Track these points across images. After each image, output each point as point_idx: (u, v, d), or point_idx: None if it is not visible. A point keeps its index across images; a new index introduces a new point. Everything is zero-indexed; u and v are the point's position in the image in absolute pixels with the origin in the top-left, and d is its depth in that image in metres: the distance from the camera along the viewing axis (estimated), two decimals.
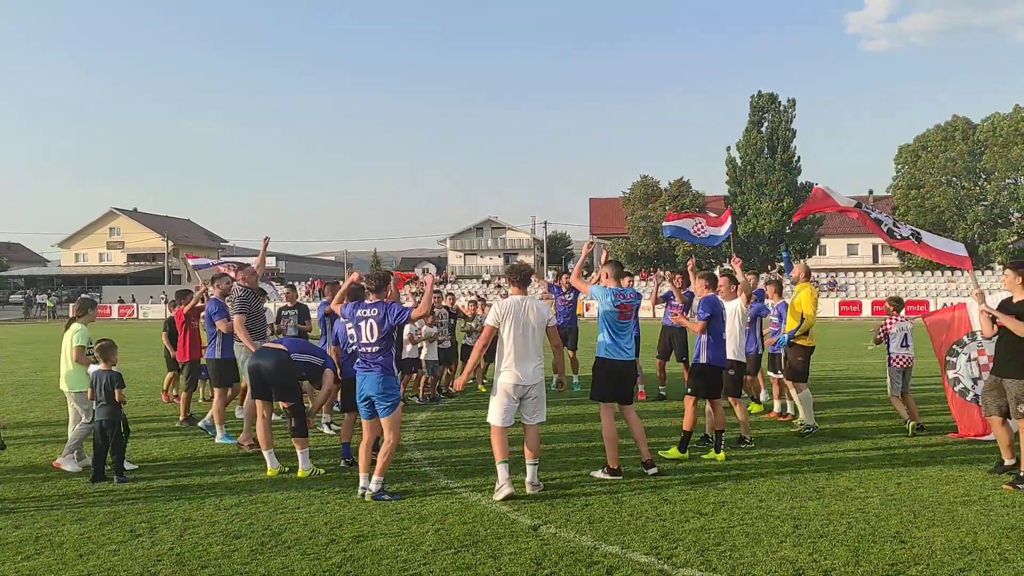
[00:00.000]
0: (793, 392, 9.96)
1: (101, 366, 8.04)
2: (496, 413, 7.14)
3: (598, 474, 7.59)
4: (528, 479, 7.18)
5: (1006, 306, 7.39)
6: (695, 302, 9.25)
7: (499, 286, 60.42)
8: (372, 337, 7.10)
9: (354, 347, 7.42)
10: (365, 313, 7.18)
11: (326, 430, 10.31)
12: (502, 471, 7.03)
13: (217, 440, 9.56)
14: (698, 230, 15.08)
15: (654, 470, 7.69)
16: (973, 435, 9.19)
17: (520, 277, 7.35)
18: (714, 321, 8.48)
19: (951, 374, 9.52)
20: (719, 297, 8.86)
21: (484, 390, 14.42)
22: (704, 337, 8.48)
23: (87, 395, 8.10)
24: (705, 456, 8.47)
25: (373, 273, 7.64)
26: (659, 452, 8.39)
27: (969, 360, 9.40)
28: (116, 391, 7.86)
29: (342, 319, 7.90)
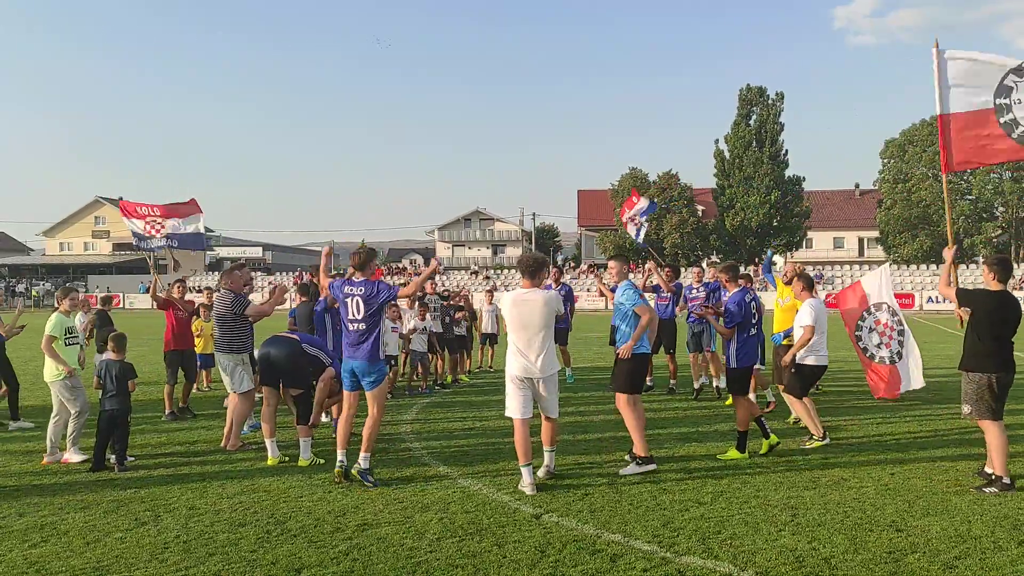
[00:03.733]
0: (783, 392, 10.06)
1: (112, 356, 8.08)
2: (511, 405, 7.12)
3: (628, 470, 7.46)
4: (545, 462, 7.29)
5: (970, 294, 7.23)
6: (725, 296, 9.08)
7: (487, 277, 60.46)
8: (359, 314, 7.17)
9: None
10: (352, 291, 7.24)
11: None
12: (526, 474, 6.93)
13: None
14: (636, 220, 15.88)
15: (652, 466, 7.76)
16: (887, 395, 9.21)
17: (530, 268, 7.24)
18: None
19: (861, 344, 9.53)
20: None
21: (467, 380, 14.50)
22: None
23: (93, 384, 8.05)
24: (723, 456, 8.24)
25: (357, 250, 7.66)
26: (718, 456, 8.15)
27: (871, 330, 9.41)
28: (130, 381, 8.02)
29: (328, 296, 8.00)
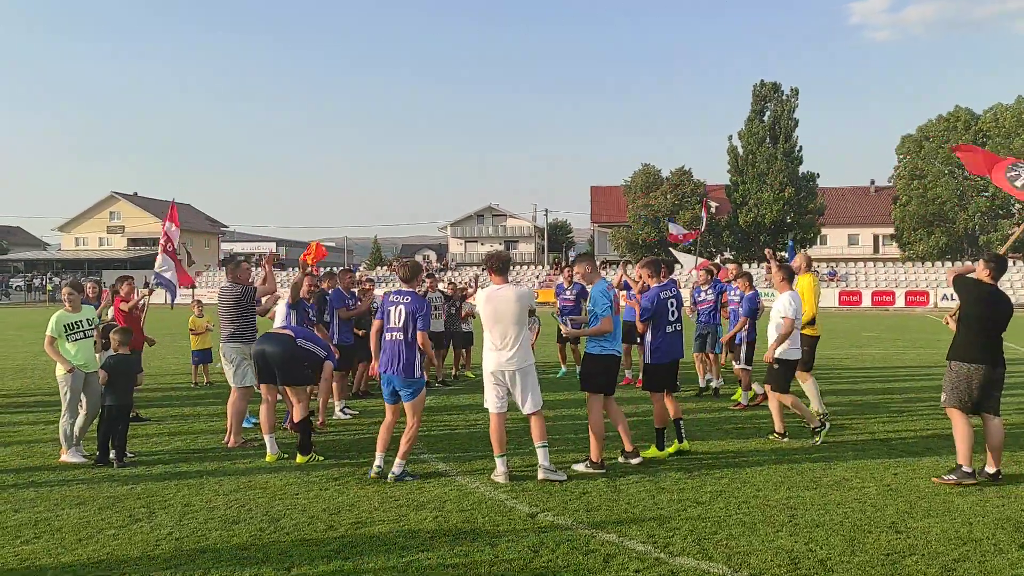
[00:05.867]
0: (800, 382, 10.00)
1: (119, 350, 8.09)
2: (487, 399, 7.31)
3: (580, 467, 7.55)
4: (540, 461, 7.23)
5: (965, 283, 7.26)
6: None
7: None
8: (399, 322, 7.27)
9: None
10: (398, 300, 7.36)
11: (341, 416, 10.38)
12: (500, 463, 7.18)
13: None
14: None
15: (638, 459, 7.72)
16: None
17: (498, 265, 7.37)
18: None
19: None
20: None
21: (473, 376, 14.46)
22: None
23: (100, 378, 8.02)
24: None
25: (405, 262, 7.84)
26: (642, 454, 7.97)
27: None
28: (138, 375, 8.14)
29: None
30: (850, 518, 6.03)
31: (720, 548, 5.43)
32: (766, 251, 12.98)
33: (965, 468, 6.91)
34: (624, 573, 5.00)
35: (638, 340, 8.69)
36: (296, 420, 8.01)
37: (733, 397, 11.57)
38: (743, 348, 11.04)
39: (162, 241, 11.87)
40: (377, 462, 7.35)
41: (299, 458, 7.91)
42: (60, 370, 8.13)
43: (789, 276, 9.06)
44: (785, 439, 8.69)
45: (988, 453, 7.12)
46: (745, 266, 25.68)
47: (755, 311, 10.93)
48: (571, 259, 73.26)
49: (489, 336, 7.21)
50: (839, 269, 54.56)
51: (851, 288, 50.09)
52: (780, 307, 8.74)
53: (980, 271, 7.24)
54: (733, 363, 11.71)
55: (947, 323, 7.57)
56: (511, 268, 7.66)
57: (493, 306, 7.13)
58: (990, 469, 7.08)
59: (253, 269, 9.91)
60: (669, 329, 8.15)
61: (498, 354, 7.14)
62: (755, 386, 11.18)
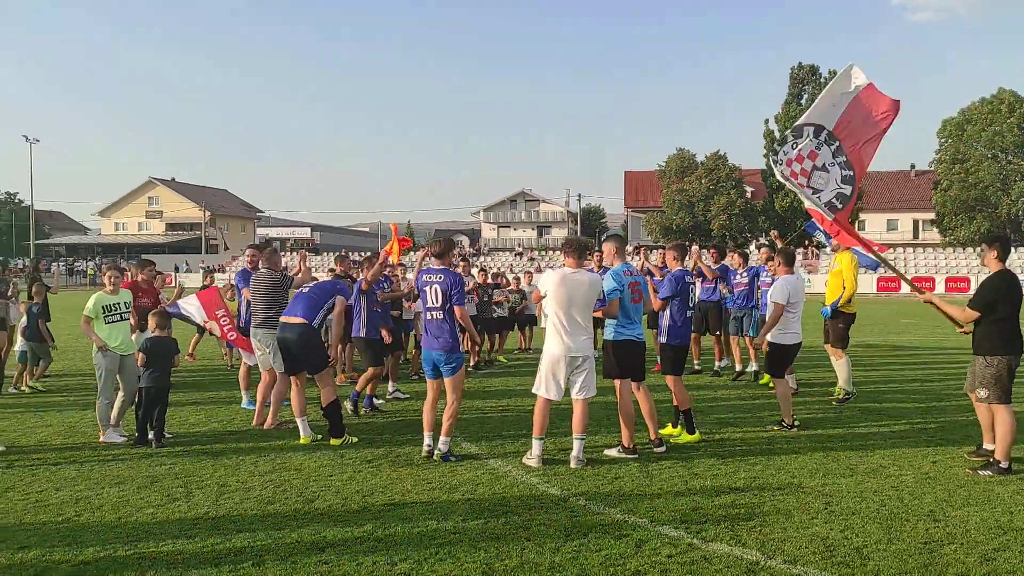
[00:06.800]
0: (833, 359, 9.95)
1: (156, 333, 8.21)
2: (543, 384, 7.15)
3: (612, 452, 7.54)
4: (574, 453, 7.17)
5: (983, 288, 7.07)
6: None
7: (532, 259, 60.38)
8: (437, 302, 7.30)
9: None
10: (431, 279, 7.39)
11: (399, 395, 10.64)
12: (536, 446, 7.13)
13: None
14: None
15: (662, 448, 7.67)
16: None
17: (577, 249, 7.32)
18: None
19: None
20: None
21: (505, 360, 14.49)
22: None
23: (138, 360, 8.14)
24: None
25: (437, 238, 7.84)
26: (671, 440, 8.04)
27: None
28: (175, 357, 8.26)
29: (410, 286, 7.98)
30: (887, 506, 5.95)
31: (754, 534, 5.38)
32: (771, 233, 12.85)
33: (1003, 464, 6.79)
34: (656, 558, 4.98)
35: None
36: (324, 405, 8.05)
37: (761, 381, 11.52)
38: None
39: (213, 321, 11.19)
40: (426, 441, 7.44)
41: (332, 441, 7.98)
42: (96, 351, 8.27)
43: (789, 260, 8.99)
44: (795, 428, 8.54)
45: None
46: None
47: (671, 288, 10.66)
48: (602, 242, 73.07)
49: (556, 320, 7.07)
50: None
51: (890, 274, 49.27)
52: (773, 292, 8.68)
53: (987, 258, 7.07)
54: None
55: (966, 331, 7.36)
56: (588, 254, 7.69)
57: (567, 289, 7.01)
58: (989, 446, 7.17)
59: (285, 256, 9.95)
60: (688, 313, 8.29)
61: (569, 338, 7.02)
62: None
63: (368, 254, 10.25)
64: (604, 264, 9.74)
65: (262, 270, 9.15)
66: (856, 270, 9.92)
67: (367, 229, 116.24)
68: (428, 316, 7.40)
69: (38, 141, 68.58)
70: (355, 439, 8.07)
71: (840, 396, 9.74)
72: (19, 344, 11.95)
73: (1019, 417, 7.15)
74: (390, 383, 10.74)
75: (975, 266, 48.99)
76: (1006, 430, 6.80)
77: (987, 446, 7.20)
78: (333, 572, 4.80)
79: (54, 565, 4.90)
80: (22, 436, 8.48)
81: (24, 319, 11.71)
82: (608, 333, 7.63)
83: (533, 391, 7.29)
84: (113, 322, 8.37)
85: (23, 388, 11.53)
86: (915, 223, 76.65)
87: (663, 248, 12.52)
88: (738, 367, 12.27)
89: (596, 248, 14.53)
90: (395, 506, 6.02)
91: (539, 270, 28.37)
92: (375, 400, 9.92)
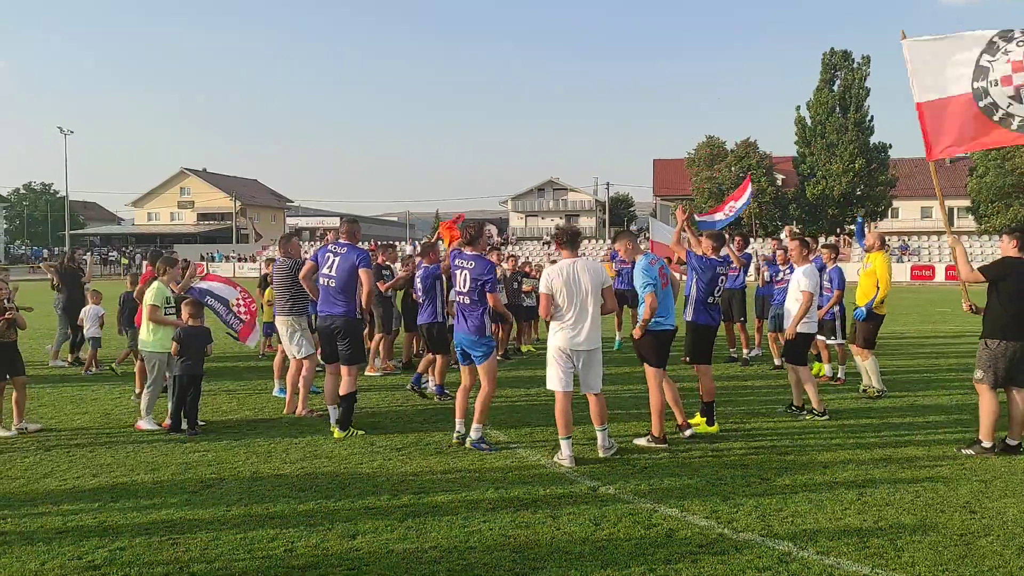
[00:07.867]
0: (859, 359, 9.83)
1: (189, 322, 8.29)
2: (553, 378, 7.01)
3: (641, 442, 7.50)
4: (600, 443, 7.14)
5: (999, 264, 7.35)
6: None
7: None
8: (465, 287, 7.36)
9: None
10: (462, 264, 7.42)
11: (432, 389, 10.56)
12: (565, 446, 6.92)
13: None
14: (728, 211, 16.06)
15: (690, 431, 7.64)
16: None
17: (567, 239, 7.16)
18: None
19: None
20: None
21: (534, 350, 14.45)
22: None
23: (169, 353, 8.26)
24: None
25: (470, 224, 7.82)
26: (696, 430, 7.90)
27: None
28: (208, 346, 8.34)
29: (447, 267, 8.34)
30: (922, 497, 5.88)
31: (785, 525, 5.34)
32: (787, 228, 12.85)
33: (985, 443, 7.06)
34: (686, 548, 4.96)
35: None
36: (342, 393, 7.97)
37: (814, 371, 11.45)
38: (836, 323, 10.85)
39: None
40: (457, 427, 7.49)
41: (336, 432, 7.87)
42: (155, 345, 8.35)
43: (807, 250, 9.00)
44: (824, 416, 8.47)
45: (1012, 425, 7.15)
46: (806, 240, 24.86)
47: (843, 283, 10.64)
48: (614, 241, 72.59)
49: (560, 312, 6.95)
50: (911, 243, 52.97)
51: (923, 263, 48.59)
52: (801, 282, 8.58)
53: (1005, 246, 7.29)
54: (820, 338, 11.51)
55: (974, 309, 7.62)
56: (580, 241, 7.51)
57: (564, 281, 6.89)
58: (1012, 441, 7.11)
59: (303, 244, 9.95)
60: (710, 300, 8.19)
61: (570, 331, 6.89)
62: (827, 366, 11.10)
63: (424, 240, 10.29)
64: (623, 260, 9.64)
65: (279, 258, 9.24)
66: (890, 271, 9.77)
67: (395, 218, 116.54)
68: (458, 300, 7.46)
69: (72, 133, 69.55)
70: (361, 432, 7.94)
71: (873, 395, 9.60)
72: (89, 329, 12.51)
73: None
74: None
75: None
76: (987, 410, 7.07)
77: (1010, 441, 7.13)
78: (363, 559, 4.83)
79: (91, 550, 4.98)
80: (60, 423, 8.62)
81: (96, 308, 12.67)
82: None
83: (548, 387, 7.10)
84: (169, 314, 8.45)
85: (110, 369, 12.21)
86: (949, 211, 75.50)
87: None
88: (777, 361, 12.12)
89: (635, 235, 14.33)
90: (425, 493, 6.04)
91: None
92: (422, 382, 9.99)
